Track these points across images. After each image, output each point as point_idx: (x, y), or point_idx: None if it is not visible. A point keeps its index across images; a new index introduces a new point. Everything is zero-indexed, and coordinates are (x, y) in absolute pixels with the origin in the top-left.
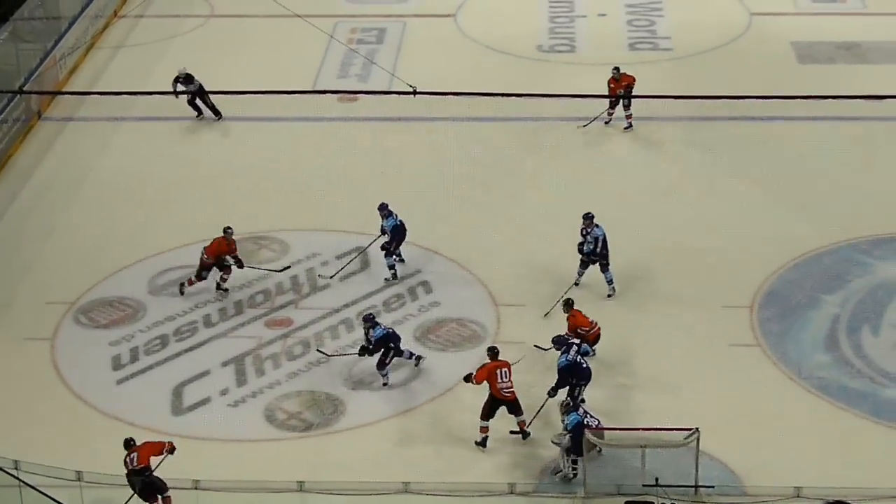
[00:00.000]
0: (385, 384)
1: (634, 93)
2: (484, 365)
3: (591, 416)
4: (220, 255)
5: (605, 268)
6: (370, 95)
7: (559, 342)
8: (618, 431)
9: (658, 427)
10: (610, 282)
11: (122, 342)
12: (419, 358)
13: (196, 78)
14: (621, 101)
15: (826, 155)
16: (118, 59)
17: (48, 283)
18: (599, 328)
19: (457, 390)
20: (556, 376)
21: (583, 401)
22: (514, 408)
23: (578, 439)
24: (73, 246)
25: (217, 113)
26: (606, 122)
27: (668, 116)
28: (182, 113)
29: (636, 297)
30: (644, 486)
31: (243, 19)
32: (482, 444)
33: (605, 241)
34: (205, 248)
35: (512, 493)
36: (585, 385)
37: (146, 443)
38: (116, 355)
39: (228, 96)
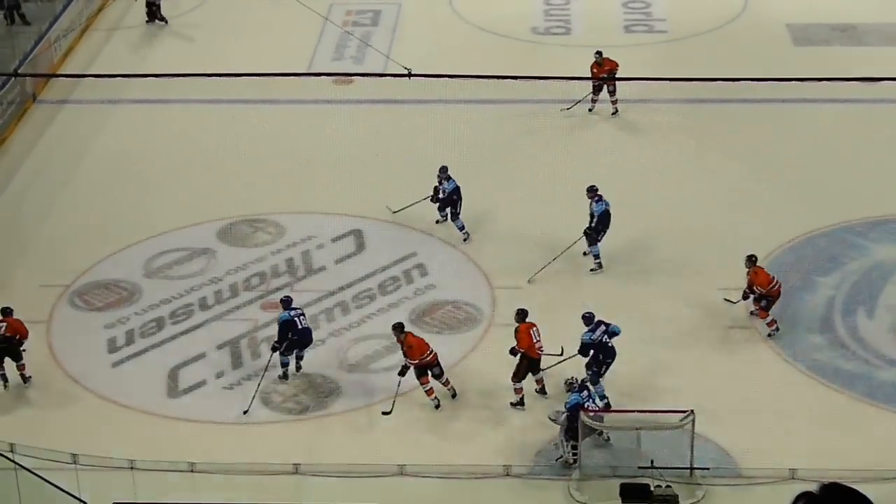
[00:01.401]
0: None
1: (619, 78)
2: (517, 329)
3: (593, 400)
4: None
5: (591, 241)
6: (365, 78)
7: (588, 319)
8: (613, 414)
9: (653, 409)
10: (596, 257)
11: (118, 325)
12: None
13: None
14: (606, 86)
15: (821, 137)
16: (113, 41)
17: (43, 265)
18: (780, 286)
19: (451, 373)
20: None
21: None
22: (538, 366)
23: (575, 421)
24: (69, 229)
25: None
26: (590, 110)
27: (663, 98)
28: (178, 95)
29: (631, 280)
30: (639, 467)
31: (237, 1)
32: (520, 403)
33: (602, 216)
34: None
35: (507, 475)
36: (611, 363)
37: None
38: (112, 338)
39: (224, 78)
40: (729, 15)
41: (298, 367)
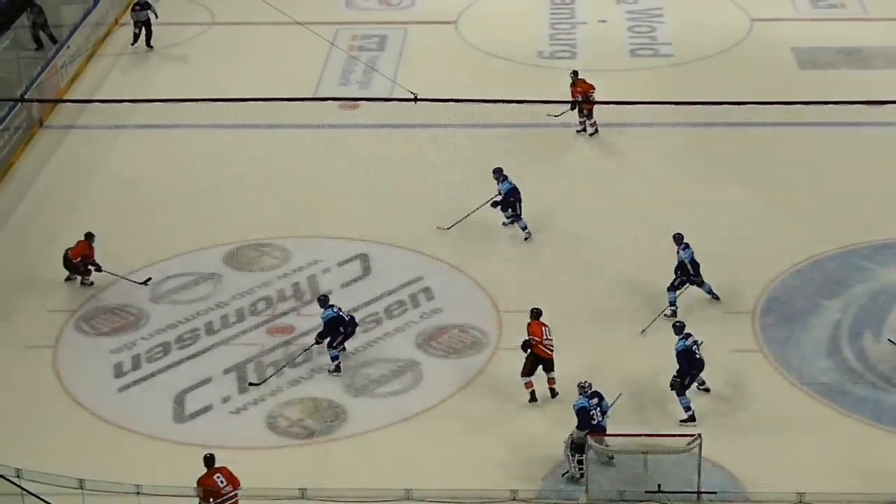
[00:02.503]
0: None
1: (599, 102)
2: (529, 324)
3: (603, 410)
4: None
5: (698, 284)
6: (371, 102)
7: (678, 329)
8: (620, 437)
9: (660, 433)
10: (709, 292)
11: (124, 350)
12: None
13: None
14: (580, 108)
15: (826, 160)
16: (119, 66)
17: (50, 290)
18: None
19: (458, 397)
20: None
21: (703, 385)
22: (550, 365)
23: (578, 426)
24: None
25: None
26: (579, 131)
27: (669, 122)
28: (184, 120)
29: (639, 303)
30: (646, 492)
31: (244, 27)
32: (532, 398)
33: (687, 264)
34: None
35: (514, 499)
36: (698, 373)
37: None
38: (118, 363)
39: (230, 103)
40: (734, 38)
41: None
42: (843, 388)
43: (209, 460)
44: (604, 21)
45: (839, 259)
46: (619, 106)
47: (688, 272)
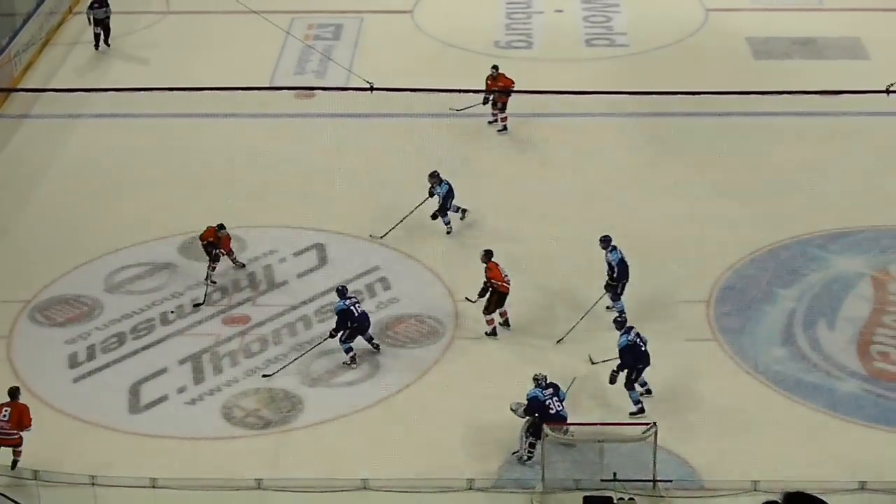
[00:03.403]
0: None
1: (517, 91)
2: (488, 268)
3: (559, 399)
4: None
5: (614, 295)
6: (327, 92)
7: (620, 324)
8: (576, 426)
9: (616, 422)
10: (620, 312)
11: (79, 340)
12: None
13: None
14: (494, 101)
15: (781, 150)
16: (73, 56)
17: (4, 281)
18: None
19: (415, 386)
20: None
21: (644, 386)
22: (505, 300)
23: (533, 415)
24: (29, 244)
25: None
26: (490, 122)
27: (624, 112)
28: (139, 110)
29: (593, 293)
30: (602, 480)
31: (199, 15)
32: (493, 333)
33: (619, 265)
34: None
35: (471, 488)
36: (644, 368)
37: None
38: (73, 353)
39: (185, 92)
40: (689, 29)
41: (376, 347)
42: (797, 377)
43: (12, 392)
44: (560, 11)
45: (793, 248)
46: (575, 96)
47: (618, 278)
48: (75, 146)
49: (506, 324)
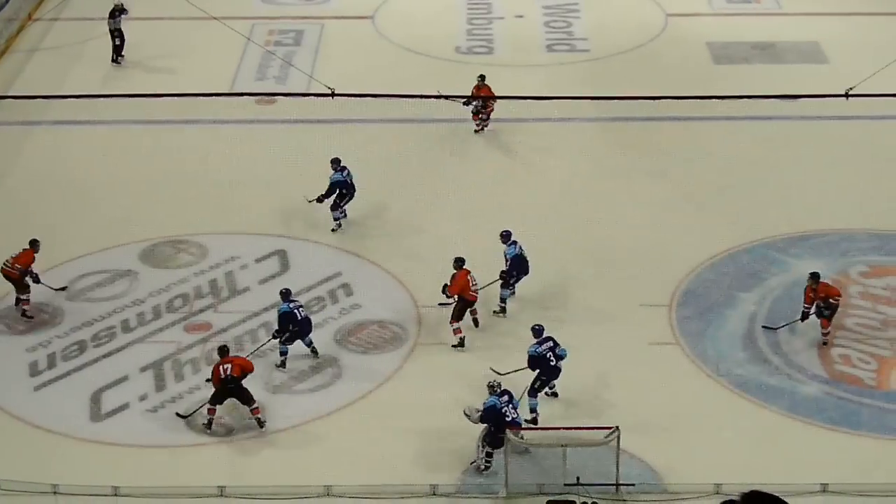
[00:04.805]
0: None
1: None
2: (454, 276)
3: (514, 407)
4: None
5: (504, 284)
6: (288, 98)
7: (537, 332)
8: (538, 431)
9: (578, 426)
10: (502, 299)
11: (39, 348)
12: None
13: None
14: (473, 105)
15: (741, 154)
16: (33, 62)
17: None
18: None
19: (377, 392)
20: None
21: (555, 395)
22: (473, 305)
23: (490, 424)
24: None
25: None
26: (477, 131)
27: (585, 117)
28: (99, 116)
29: (555, 297)
30: (565, 485)
31: (160, 21)
32: (460, 344)
33: (514, 259)
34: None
35: (434, 494)
36: (548, 381)
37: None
38: (33, 361)
39: (145, 99)
40: (650, 34)
41: (315, 352)
42: (758, 380)
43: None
44: (521, 16)
45: (754, 252)
46: (535, 101)
47: (511, 270)
48: (34, 153)
49: (475, 323)
